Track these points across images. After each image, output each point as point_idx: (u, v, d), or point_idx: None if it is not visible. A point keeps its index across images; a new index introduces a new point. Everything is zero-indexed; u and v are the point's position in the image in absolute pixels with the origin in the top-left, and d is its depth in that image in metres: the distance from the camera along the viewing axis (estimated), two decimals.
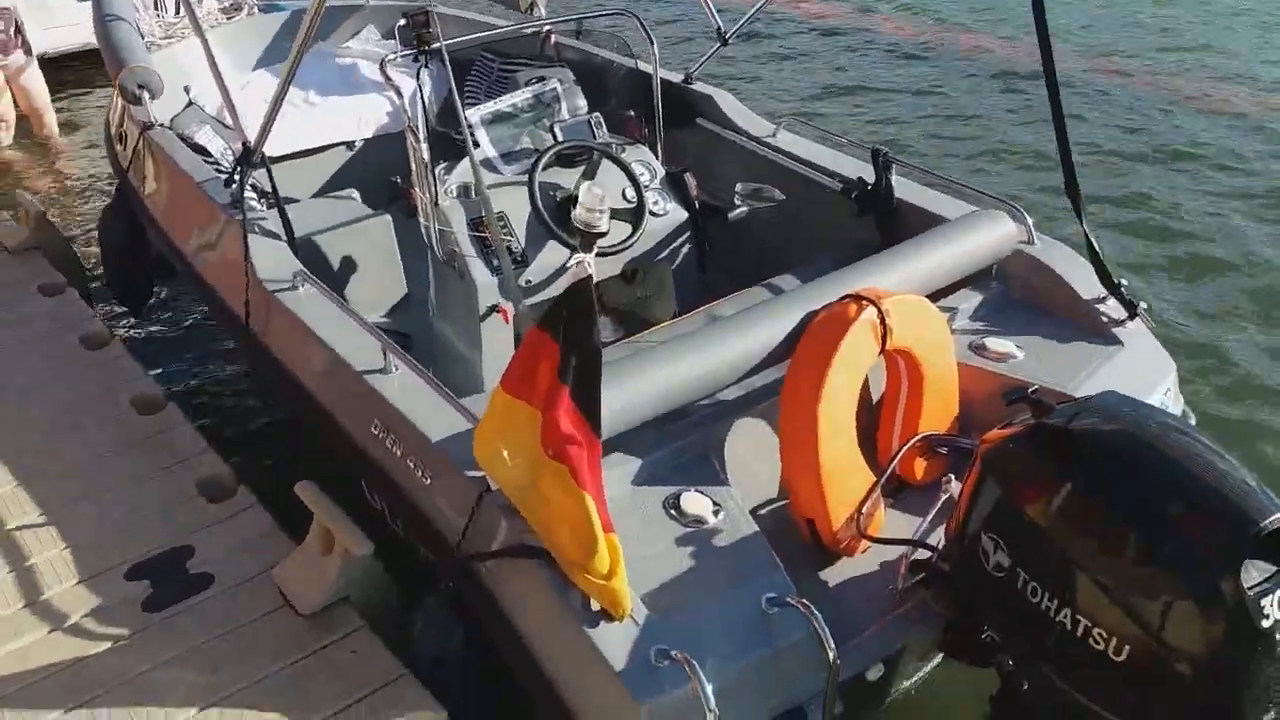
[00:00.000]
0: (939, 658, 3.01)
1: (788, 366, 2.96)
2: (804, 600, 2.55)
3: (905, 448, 3.01)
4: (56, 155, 7.88)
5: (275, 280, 3.46)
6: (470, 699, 2.78)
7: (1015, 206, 3.68)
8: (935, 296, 3.36)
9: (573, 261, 3.48)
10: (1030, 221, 3.64)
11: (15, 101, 7.81)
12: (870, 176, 3.89)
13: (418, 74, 3.68)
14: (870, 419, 3.12)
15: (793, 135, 4.40)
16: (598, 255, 3.66)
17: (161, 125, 4.48)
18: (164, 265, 4.73)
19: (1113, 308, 3.45)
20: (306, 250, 3.93)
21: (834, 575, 2.88)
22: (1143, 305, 3.46)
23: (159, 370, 4.66)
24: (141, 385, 4.02)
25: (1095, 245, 3.42)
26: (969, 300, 3.52)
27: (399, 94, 3.78)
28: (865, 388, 3.04)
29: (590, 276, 2.21)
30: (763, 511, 3.01)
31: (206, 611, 2.99)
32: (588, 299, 2.29)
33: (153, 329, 5.50)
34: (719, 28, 4.67)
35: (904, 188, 3.91)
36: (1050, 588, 2.41)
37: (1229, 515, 2.26)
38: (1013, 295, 3.59)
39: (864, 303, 2.89)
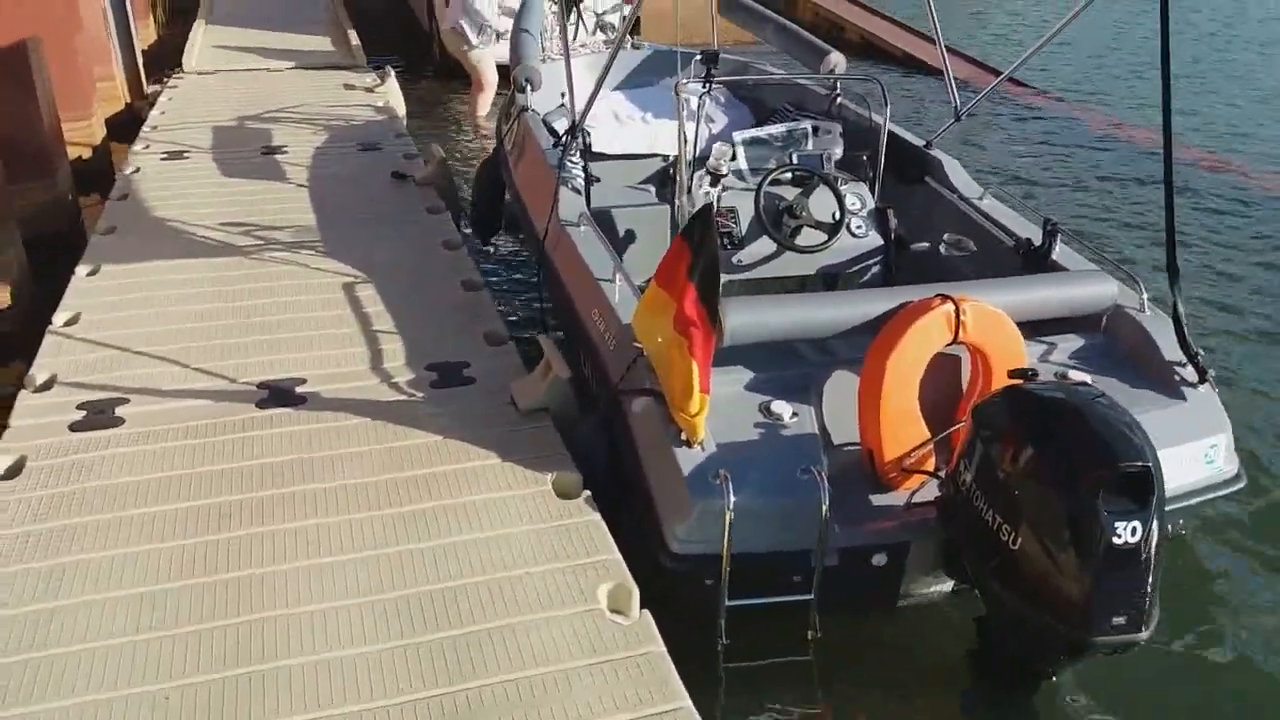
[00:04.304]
0: (948, 585, 3.76)
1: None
2: (821, 471, 3.40)
3: (962, 425, 3.54)
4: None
5: (568, 217, 4.91)
6: (599, 478, 3.99)
7: (1134, 279, 4.29)
8: (1042, 329, 4.04)
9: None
10: (1145, 295, 4.22)
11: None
12: (1038, 240, 4.64)
13: (699, 97, 4.84)
14: (954, 401, 3.80)
15: (994, 201, 5.23)
16: (799, 252, 4.89)
17: (534, 111, 6.11)
18: (511, 219, 6.35)
19: (1189, 372, 3.95)
20: (601, 217, 5.05)
21: (875, 497, 3.63)
22: (1212, 373, 3.93)
23: (483, 269, 6.33)
24: (471, 274, 5.78)
25: (1180, 314, 3.98)
26: (1071, 343, 4.16)
27: (685, 108, 4.91)
28: (956, 379, 3.80)
29: (713, 204, 3.38)
30: (838, 445, 3.74)
31: (468, 397, 4.56)
32: (710, 218, 3.30)
33: (488, 249, 7.42)
34: (955, 105, 5.56)
35: (1064, 254, 4.56)
36: (988, 498, 3.18)
37: (1101, 455, 2.97)
38: (1115, 352, 4.12)
39: (946, 299, 3.62)
